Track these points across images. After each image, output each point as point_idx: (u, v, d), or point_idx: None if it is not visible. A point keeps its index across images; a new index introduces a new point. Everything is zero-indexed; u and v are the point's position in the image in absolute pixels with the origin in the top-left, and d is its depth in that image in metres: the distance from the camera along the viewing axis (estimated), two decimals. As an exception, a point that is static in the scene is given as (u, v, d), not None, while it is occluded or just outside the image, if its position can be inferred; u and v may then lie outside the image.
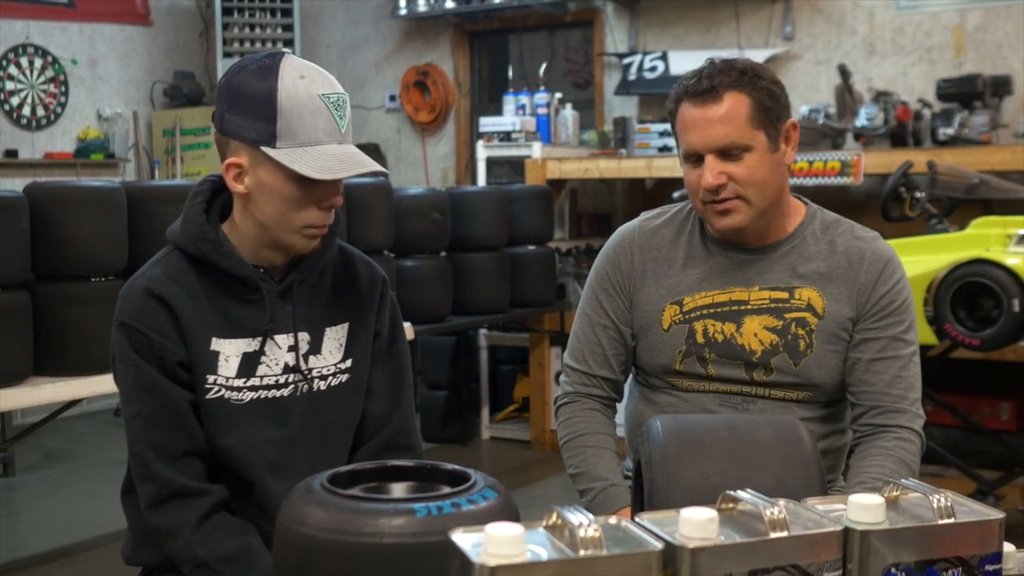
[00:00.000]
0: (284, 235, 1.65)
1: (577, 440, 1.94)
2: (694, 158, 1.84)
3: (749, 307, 1.87)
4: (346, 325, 1.76)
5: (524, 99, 5.82)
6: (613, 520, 0.98)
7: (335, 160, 1.58)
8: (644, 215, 2.03)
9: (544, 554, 0.90)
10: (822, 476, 1.40)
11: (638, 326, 1.95)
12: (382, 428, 1.79)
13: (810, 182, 4.49)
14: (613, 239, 2.02)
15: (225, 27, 6.85)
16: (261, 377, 1.68)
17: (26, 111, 6.57)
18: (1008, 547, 1.10)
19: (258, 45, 6.86)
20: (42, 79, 6.63)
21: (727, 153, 1.80)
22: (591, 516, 0.92)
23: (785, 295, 1.87)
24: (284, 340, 1.70)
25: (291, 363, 1.70)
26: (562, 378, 2.05)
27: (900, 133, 4.79)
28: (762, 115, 1.80)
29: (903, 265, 1.93)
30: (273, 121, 1.56)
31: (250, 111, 1.58)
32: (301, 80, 1.58)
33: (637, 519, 1.01)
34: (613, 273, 1.98)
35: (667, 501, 1.33)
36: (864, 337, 1.85)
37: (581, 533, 0.90)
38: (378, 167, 1.62)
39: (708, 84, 1.80)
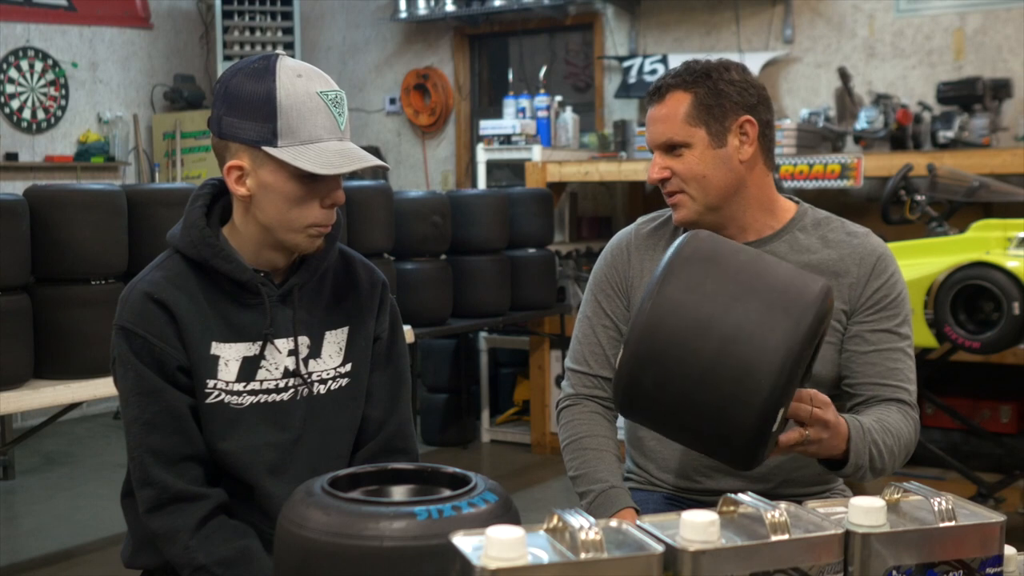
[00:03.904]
0: (288, 235, 1.65)
1: (578, 443, 1.94)
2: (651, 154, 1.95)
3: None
4: (346, 329, 1.77)
5: (524, 102, 5.83)
6: (614, 523, 0.98)
7: (337, 156, 1.59)
8: (640, 220, 2.09)
9: (545, 557, 0.90)
10: (812, 333, 1.39)
11: None
12: (379, 431, 1.80)
13: (810, 185, 4.49)
14: (610, 243, 2.07)
15: (225, 30, 6.85)
16: (261, 381, 1.68)
17: (26, 114, 6.58)
18: (1009, 550, 1.10)
19: (258, 48, 6.87)
20: (42, 82, 6.64)
21: (670, 149, 1.89)
22: (592, 519, 0.92)
23: None
24: (284, 344, 1.70)
25: (291, 367, 1.70)
26: (564, 382, 2.07)
27: (900, 136, 4.79)
28: (702, 112, 1.87)
29: (898, 262, 1.94)
30: (273, 120, 1.57)
31: (249, 112, 1.58)
32: (299, 79, 1.59)
33: (638, 521, 1.01)
34: (611, 274, 2.02)
35: (658, 291, 1.40)
36: (859, 331, 1.88)
37: (582, 536, 0.90)
38: (380, 162, 1.62)
39: (657, 85, 1.92)
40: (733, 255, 1.46)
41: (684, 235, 1.49)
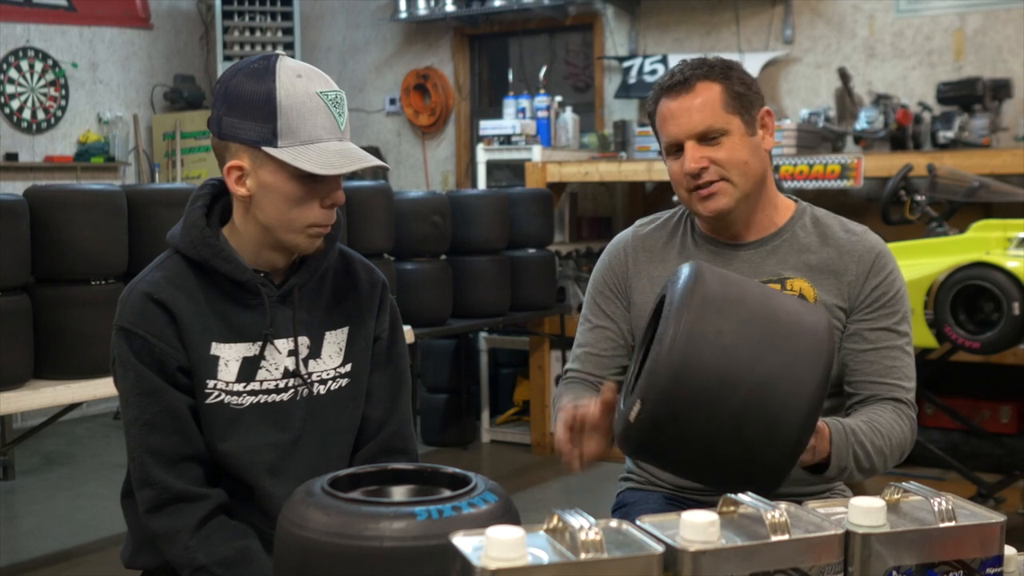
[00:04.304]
0: (288, 236, 1.65)
1: (559, 402, 1.92)
2: (675, 149, 1.90)
3: None
4: (346, 329, 1.77)
5: (524, 102, 5.83)
6: (614, 523, 0.98)
7: (337, 156, 1.59)
8: (638, 222, 2.09)
9: (545, 557, 0.90)
10: (828, 376, 1.41)
11: (636, 326, 1.96)
12: (379, 431, 1.80)
13: (810, 185, 4.49)
14: (607, 247, 2.07)
15: (225, 30, 6.85)
16: (261, 382, 1.68)
17: (26, 114, 6.58)
18: (1009, 550, 1.10)
19: (258, 48, 6.87)
20: (42, 82, 6.64)
21: (706, 138, 1.86)
22: (592, 519, 0.92)
23: (777, 286, 1.90)
24: (284, 345, 1.70)
25: (291, 368, 1.70)
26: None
27: (900, 136, 4.79)
28: (735, 101, 1.87)
29: (898, 262, 1.95)
30: (273, 120, 1.57)
31: (249, 112, 1.58)
32: (298, 79, 1.59)
33: (638, 522, 1.01)
34: (609, 277, 2.02)
35: (674, 347, 1.35)
36: (858, 329, 1.88)
37: (582, 536, 0.90)
38: (379, 162, 1.62)
39: (681, 77, 1.88)
40: (741, 299, 1.43)
41: (687, 273, 1.43)
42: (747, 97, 1.88)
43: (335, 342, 1.75)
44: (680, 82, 1.87)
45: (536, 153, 5.57)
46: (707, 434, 1.36)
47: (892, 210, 3.95)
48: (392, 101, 7.21)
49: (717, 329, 1.37)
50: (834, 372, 1.88)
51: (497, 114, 6.32)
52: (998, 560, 1.06)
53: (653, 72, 5.97)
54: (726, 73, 1.87)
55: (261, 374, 1.68)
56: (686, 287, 1.41)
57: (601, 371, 1.99)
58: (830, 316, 1.86)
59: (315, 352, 1.73)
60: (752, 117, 1.88)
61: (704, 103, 1.85)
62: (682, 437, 1.37)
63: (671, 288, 1.44)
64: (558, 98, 5.91)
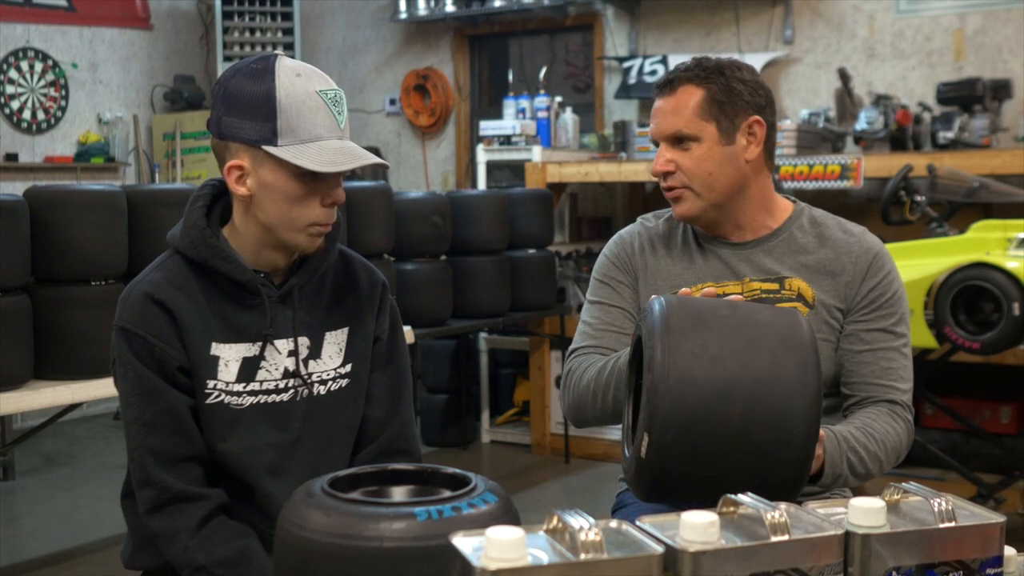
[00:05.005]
0: (289, 235, 1.65)
1: (588, 374, 1.87)
2: (656, 146, 1.93)
3: (742, 299, 1.89)
4: (346, 330, 1.77)
5: (524, 103, 5.83)
6: (614, 523, 0.98)
7: (337, 154, 1.59)
8: (641, 218, 2.08)
9: (545, 558, 0.90)
10: (817, 361, 1.41)
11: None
12: (381, 433, 1.80)
13: (810, 186, 4.49)
14: (615, 238, 2.06)
15: (225, 31, 6.85)
16: (261, 382, 1.68)
17: (26, 115, 6.58)
18: (1009, 551, 1.10)
19: (258, 49, 6.87)
20: (42, 83, 6.64)
21: (678, 142, 1.88)
22: (592, 520, 0.92)
23: (776, 286, 1.90)
24: (284, 345, 1.70)
25: (291, 368, 1.70)
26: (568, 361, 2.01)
27: (900, 137, 4.79)
28: (714, 108, 1.86)
29: (898, 263, 1.95)
30: (273, 119, 1.57)
31: (249, 112, 1.58)
32: (298, 78, 1.59)
33: (638, 522, 1.01)
34: (618, 262, 2.00)
35: (666, 369, 1.36)
36: (854, 329, 1.88)
37: (582, 537, 0.90)
38: (379, 159, 1.63)
39: (667, 78, 1.90)
40: (714, 313, 1.45)
41: (657, 304, 1.44)
42: (729, 105, 1.86)
43: (335, 342, 1.75)
44: (667, 82, 1.90)
45: (536, 153, 5.57)
46: (718, 449, 1.36)
47: (892, 210, 3.95)
48: (392, 101, 7.22)
49: (701, 343, 1.38)
50: (831, 372, 1.89)
51: (497, 114, 6.32)
52: (998, 560, 1.06)
53: (653, 72, 5.97)
54: (715, 77, 1.86)
55: (261, 374, 1.68)
56: (661, 314, 1.42)
57: (613, 344, 1.94)
58: (816, 316, 1.87)
59: (315, 352, 1.73)
60: (733, 126, 1.87)
61: (679, 106, 1.87)
62: (695, 458, 1.36)
63: (646, 321, 1.45)
64: (558, 98, 5.91)
